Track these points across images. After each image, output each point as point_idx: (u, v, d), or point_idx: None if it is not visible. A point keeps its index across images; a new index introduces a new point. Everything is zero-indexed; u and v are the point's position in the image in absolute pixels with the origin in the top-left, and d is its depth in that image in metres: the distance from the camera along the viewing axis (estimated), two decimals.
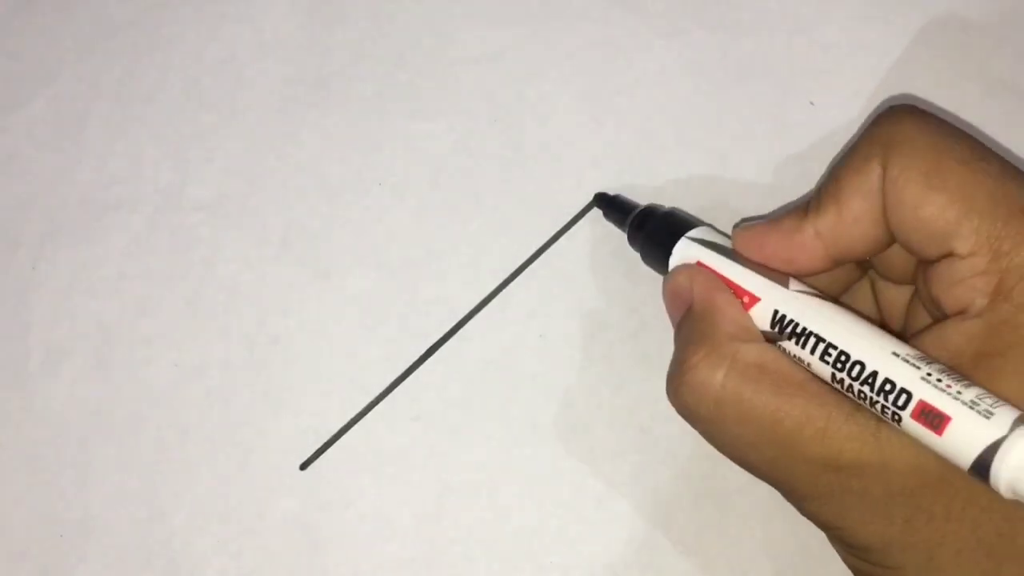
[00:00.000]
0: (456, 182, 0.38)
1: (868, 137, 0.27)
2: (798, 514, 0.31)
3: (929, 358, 0.25)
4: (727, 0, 0.39)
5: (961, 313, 0.25)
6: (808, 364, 0.27)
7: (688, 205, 0.37)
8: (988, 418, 0.22)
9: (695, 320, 0.29)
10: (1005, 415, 0.22)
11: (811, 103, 0.38)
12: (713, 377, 0.27)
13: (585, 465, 0.34)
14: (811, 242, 0.28)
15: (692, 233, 0.31)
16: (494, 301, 0.37)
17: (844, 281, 0.31)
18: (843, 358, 0.25)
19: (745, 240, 0.29)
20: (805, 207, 0.28)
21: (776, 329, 0.27)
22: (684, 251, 0.31)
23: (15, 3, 0.42)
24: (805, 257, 0.28)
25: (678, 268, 0.30)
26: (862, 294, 0.31)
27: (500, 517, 0.34)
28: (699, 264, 0.30)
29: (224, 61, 0.40)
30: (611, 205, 0.36)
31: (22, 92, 0.41)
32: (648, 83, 0.39)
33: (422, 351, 0.36)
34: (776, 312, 0.27)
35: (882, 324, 0.31)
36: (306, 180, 0.39)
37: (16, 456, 0.36)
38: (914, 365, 0.24)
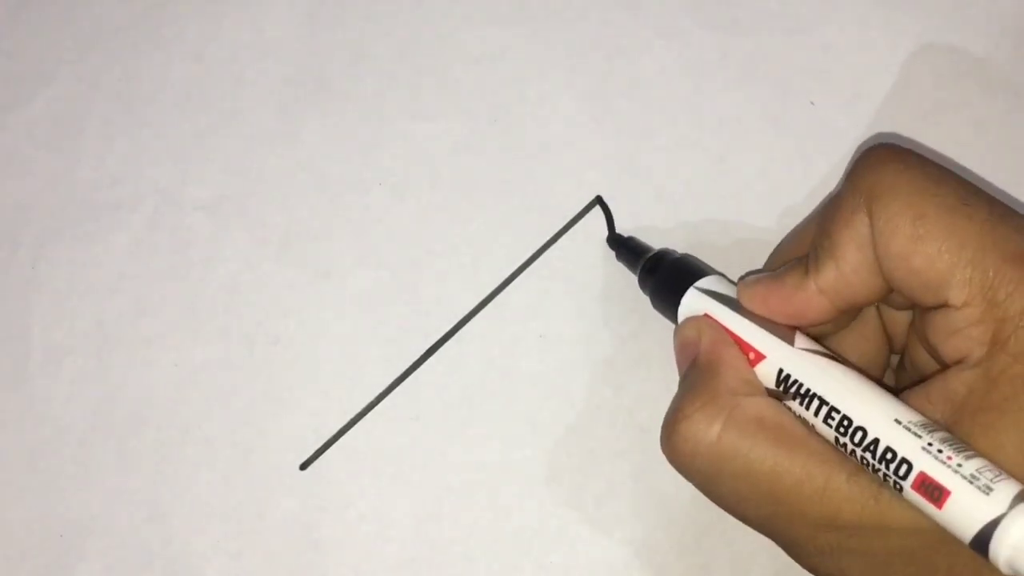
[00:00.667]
0: (456, 182, 0.38)
1: (851, 186, 0.26)
2: None
3: (931, 424, 0.24)
4: (727, 0, 0.39)
5: (960, 362, 0.25)
6: (812, 425, 0.26)
7: (688, 204, 0.37)
8: (988, 494, 0.22)
9: (698, 372, 0.28)
10: (1005, 491, 0.22)
11: (811, 103, 0.38)
12: (709, 429, 0.26)
13: (585, 465, 0.34)
14: (815, 298, 0.27)
15: (701, 283, 0.31)
16: (494, 301, 0.37)
17: None
18: (846, 423, 0.25)
19: (749, 296, 0.29)
20: (805, 263, 0.28)
21: (781, 388, 0.27)
22: (693, 302, 0.31)
23: (15, 3, 0.42)
24: (811, 312, 0.28)
25: (688, 320, 0.30)
26: (867, 313, 0.31)
27: (500, 517, 0.34)
28: (707, 316, 0.30)
29: (224, 61, 0.40)
30: (624, 247, 0.36)
31: (22, 92, 0.41)
32: (648, 83, 0.39)
33: (422, 351, 0.36)
34: (781, 371, 0.27)
35: (887, 343, 0.30)
36: (306, 180, 0.39)
37: (16, 456, 0.36)
38: (915, 434, 0.24)
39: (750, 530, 0.33)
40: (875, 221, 0.26)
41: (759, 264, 0.34)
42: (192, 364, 0.37)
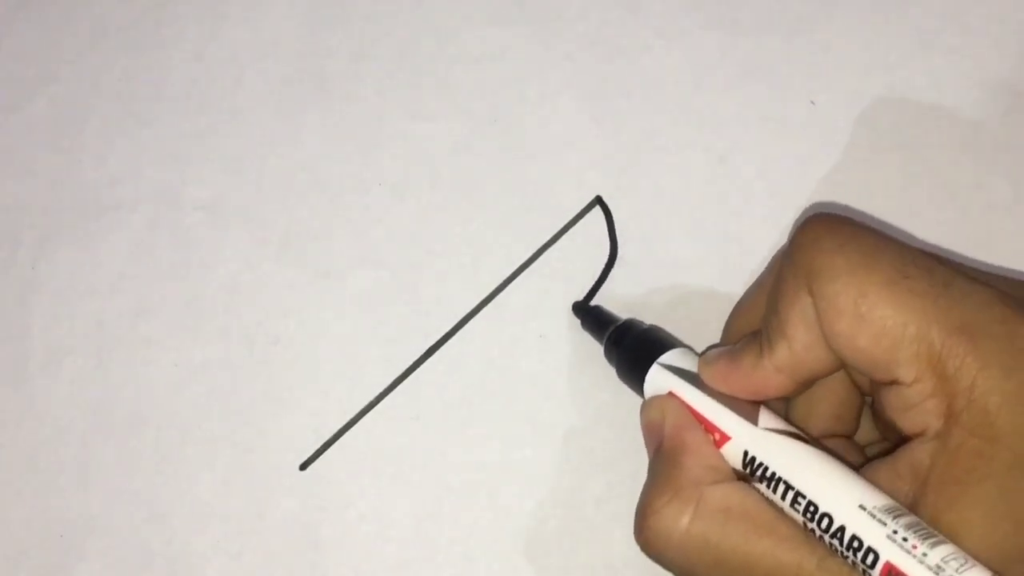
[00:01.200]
0: (456, 182, 0.38)
1: (792, 266, 0.26)
2: None
3: (897, 508, 0.24)
4: (727, 0, 0.39)
5: (920, 435, 0.25)
6: (781, 507, 0.26)
7: (687, 205, 0.37)
8: None
9: (663, 461, 0.28)
10: None
11: (811, 103, 0.38)
12: (678, 523, 0.26)
13: (585, 465, 0.34)
14: (773, 376, 0.27)
15: (665, 358, 0.31)
16: (494, 301, 0.37)
17: None
18: (812, 508, 0.25)
19: (710, 375, 0.29)
20: (759, 340, 0.28)
21: (747, 470, 0.27)
22: (657, 378, 0.30)
23: (15, 3, 0.42)
24: (770, 389, 0.28)
25: (651, 400, 0.30)
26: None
27: (500, 517, 0.34)
28: (671, 395, 0.30)
29: (224, 61, 0.40)
30: (589, 316, 0.35)
31: (22, 92, 0.41)
32: (648, 83, 0.39)
33: (422, 351, 0.36)
34: (747, 453, 0.27)
35: (857, 389, 0.30)
36: (306, 180, 0.39)
37: (16, 456, 0.36)
38: (880, 521, 0.24)
39: None
40: (817, 302, 0.25)
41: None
42: (192, 364, 0.37)
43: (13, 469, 0.36)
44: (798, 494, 0.26)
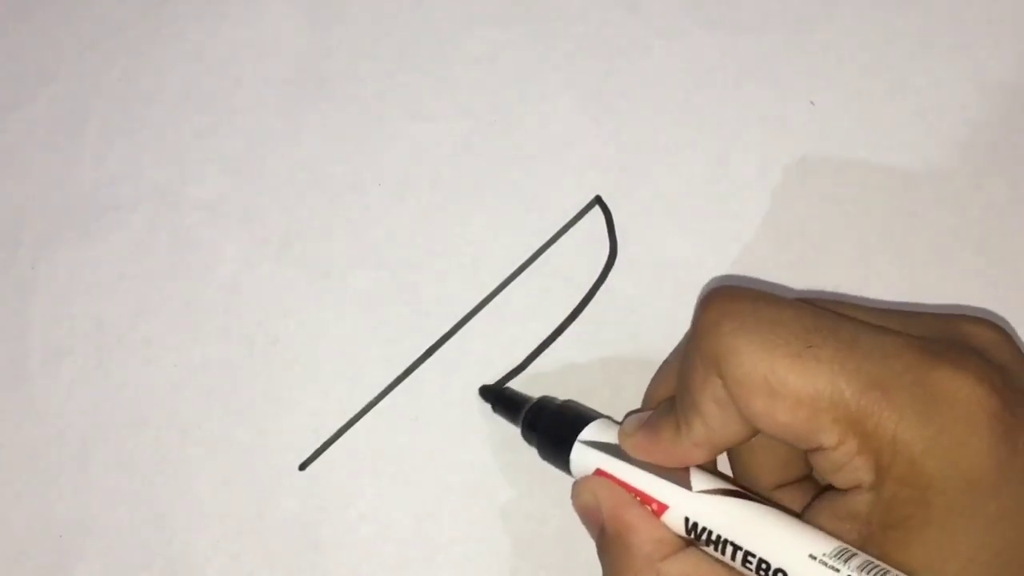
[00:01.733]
0: (456, 182, 0.38)
1: (697, 350, 0.26)
2: None
3: (846, 551, 0.24)
4: (727, 0, 0.39)
5: (855, 488, 0.25)
6: (734, 568, 0.26)
7: (688, 205, 0.37)
8: None
9: (610, 545, 0.28)
10: None
11: (811, 103, 0.38)
12: None
13: None
14: (692, 450, 0.27)
15: (585, 435, 0.30)
16: (494, 301, 0.37)
17: None
18: (764, 565, 0.25)
19: (632, 447, 0.29)
20: (675, 418, 0.27)
21: (692, 535, 0.27)
22: (581, 458, 0.30)
23: (15, 3, 0.42)
24: (692, 459, 0.27)
25: (580, 483, 0.29)
26: None
27: (500, 517, 0.34)
28: (599, 473, 0.29)
29: (224, 61, 0.40)
30: (499, 400, 0.34)
31: (22, 92, 0.41)
32: (648, 83, 0.39)
33: (422, 351, 0.36)
34: (687, 519, 0.27)
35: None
36: (306, 180, 0.39)
37: (16, 456, 0.36)
38: (833, 567, 0.24)
39: None
40: (728, 384, 0.25)
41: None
42: (192, 364, 0.37)
43: (13, 469, 0.36)
44: (747, 553, 0.25)
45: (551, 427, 0.31)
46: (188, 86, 0.40)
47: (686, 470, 0.28)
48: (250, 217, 0.38)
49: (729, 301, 0.26)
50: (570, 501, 0.30)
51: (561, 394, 0.35)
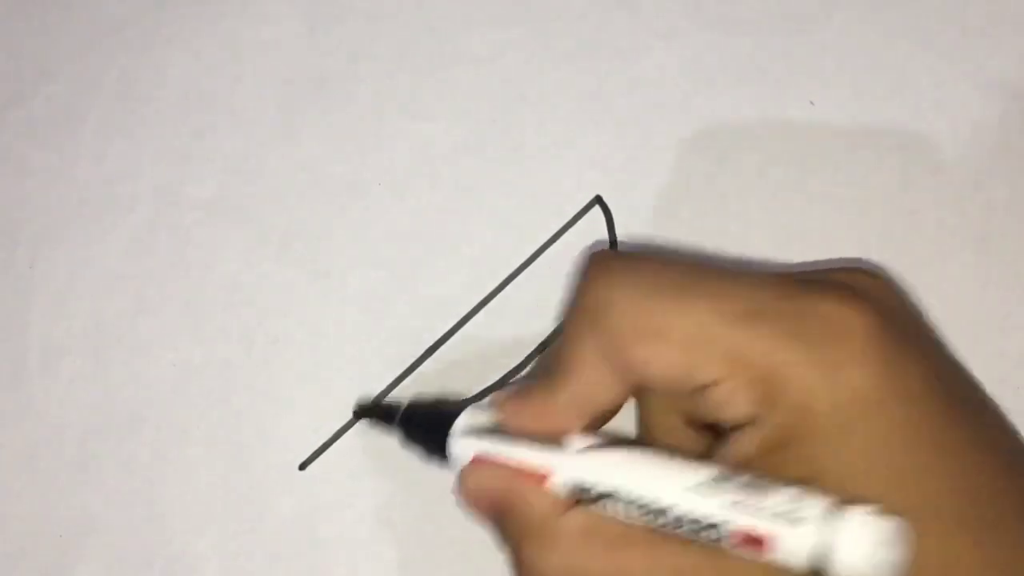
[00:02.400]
0: (456, 182, 0.38)
1: (575, 308, 0.26)
2: None
3: (724, 473, 0.24)
4: (727, 0, 0.39)
5: (744, 425, 0.25)
6: (627, 518, 0.26)
7: (688, 205, 0.37)
8: (799, 525, 0.23)
9: (505, 519, 0.28)
10: (811, 515, 0.23)
11: (811, 103, 0.38)
12: (548, 562, 0.26)
13: None
14: (564, 410, 0.27)
15: (458, 425, 0.30)
16: (494, 301, 0.37)
17: None
18: (647, 508, 0.25)
19: (504, 416, 0.28)
20: (548, 382, 0.27)
21: (578, 500, 0.27)
22: (461, 451, 0.30)
23: (15, 2, 0.42)
24: (565, 426, 0.27)
25: (460, 476, 0.29)
26: None
27: None
28: (475, 460, 0.29)
29: (224, 61, 0.40)
30: (373, 415, 0.35)
31: (21, 90, 0.41)
32: (648, 83, 0.39)
33: (422, 351, 0.36)
34: (568, 482, 0.27)
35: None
36: (306, 180, 0.39)
37: (16, 456, 0.36)
38: (711, 495, 0.24)
39: None
40: (607, 337, 0.25)
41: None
42: (192, 364, 0.37)
43: (12, 469, 0.36)
44: (629, 502, 0.25)
45: (424, 430, 0.32)
46: (188, 86, 0.40)
47: (559, 440, 0.28)
48: (250, 217, 0.38)
49: (606, 259, 0.27)
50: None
51: None
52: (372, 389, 0.36)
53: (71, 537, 0.35)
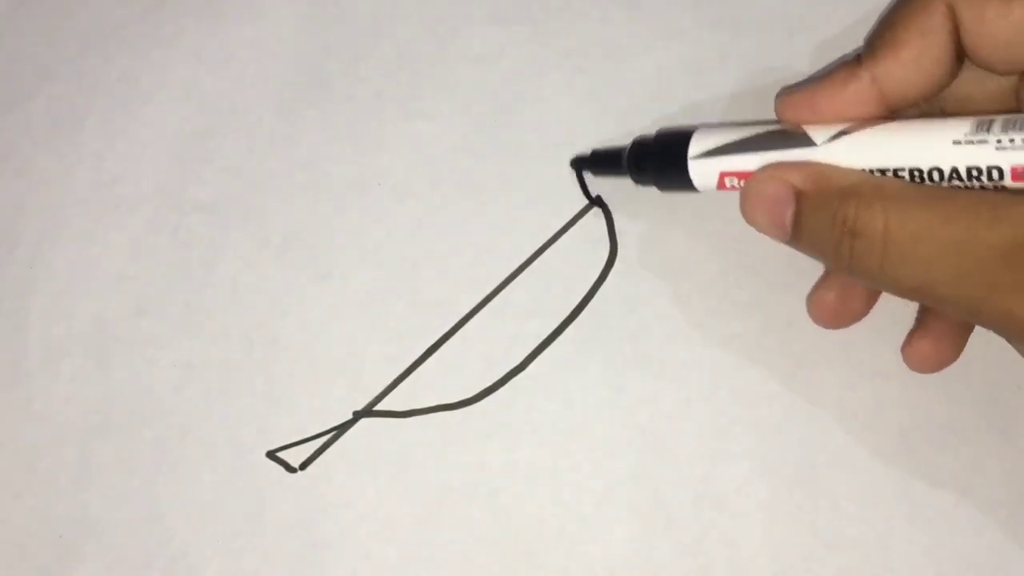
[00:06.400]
0: (456, 182, 0.38)
1: None
2: (798, 514, 0.32)
3: (986, 119, 0.24)
4: (727, 0, 0.39)
5: None
6: None
7: (688, 205, 0.37)
8: None
9: (820, 192, 0.27)
10: None
11: None
12: (875, 218, 0.25)
13: (585, 465, 0.34)
14: (866, 90, 0.27)
15: (693, 149, 0.30)
16: (494, 301, 0.37)
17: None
18: (924, 172, 0.25)
19: (792, 103, 0.28)
20: (855, 60, 0.27)
21: None
22: (701, 170, 0.30)
23: (15, 2, 0.42)
24: (860, 108, 0.27)
25: (755, 177, 0.29)
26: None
27: (500, 517, 0.34)
28: (723, 174, 0.29)
29: (224, 61, 0.40)
30: (593, 162, 0.35)
31: (21, 91, 0.41)
32: (648, 83, 0.39)
33: (422, 351, 0.36)
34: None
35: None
36: (306, 180, 0.39)
37: (16, 456, 0.36)
38: (980, 141, 0.24)
39: (750, 530, 0.33)
40: (962, 9, 0.25)
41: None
42: (192, 364, 0.37)
43: (13, 469, 0.36)
44: (896, 170, 0.26)
45: (658, 158, 0.32)
46: (188, 87, 0.40)
47: (806, 136, 0.27)
48: (250, 217, 0.38)
49: None
50: (569, 500, 0.30)
51: (560, 394, 0.35)
52: (372, 389, 0.36)
53: (71, 537, 0.35)
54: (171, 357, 0.37)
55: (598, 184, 0.37)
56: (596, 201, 0.37)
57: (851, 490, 0.33)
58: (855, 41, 0.38)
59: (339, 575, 0.34)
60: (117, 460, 0.36)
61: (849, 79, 0.27)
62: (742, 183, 0.29)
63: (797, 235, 0.28)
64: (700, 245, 0.36)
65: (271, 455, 0.35)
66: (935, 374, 0.32)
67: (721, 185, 0.30)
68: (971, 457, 0.33)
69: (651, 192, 0.37)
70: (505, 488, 0.35)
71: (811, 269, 0.35)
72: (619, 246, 0.37)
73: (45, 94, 0.41)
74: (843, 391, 0.34)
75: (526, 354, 0.36)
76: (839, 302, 0.31)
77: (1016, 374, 0.33)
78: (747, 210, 0.29)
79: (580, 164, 0.36)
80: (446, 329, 0.36)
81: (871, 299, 0.31)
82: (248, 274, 0.38)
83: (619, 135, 0.38)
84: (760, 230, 0.29)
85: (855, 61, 0.27)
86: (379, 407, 0.36)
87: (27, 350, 0.38)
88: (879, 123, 0.27)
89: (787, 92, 0.29)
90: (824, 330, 0.34)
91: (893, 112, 0.28)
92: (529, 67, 0.39)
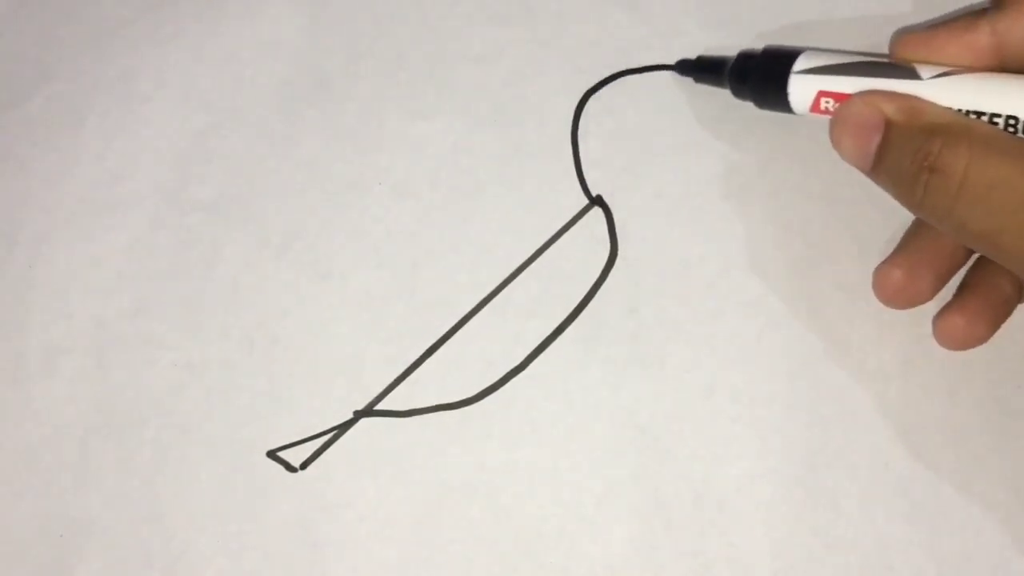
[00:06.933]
0: (456, 182, 0.38)
1: None
2: (799, 514, 0.32)
3: None
4: (727, 0, 0.39)
5: None
6: None
7: (688, 205, 0.37)
8: None
9: (909, 125, 0.27)
10: None
11: None
12: (957, 159, 0.26)
13: (585, 465, 0.35)
14: (984, 41, 0.27)
15: (798, 66, 0.30)
16: (494, 301, 0.37)
17: None
18: (1020, 122, 0.26)
19: (909, 41, 0.29)
20: (981, 10, 0.27)
21: None
22: (801, 87, 0.30)
23: (15, 2, 0.42)
24: (974, 56, 0.27)
25: (851, 101, 0.29)
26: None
27: (500, 517, 0.34)
28: (821, 93, 0.30)
29: (224, 61, 0.40)
30: (698, 68, 0.36)
31: (20, 90, 0.41)
32: (648, 83, 0.39)
33: (422, 351, 0.36)
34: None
35: None
36: (306, 180, 0.39)
37: (16, 456, 0.36)
38: None
39: (750, 530, 0.33)
40: None
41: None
42: (192, 364, 0.37)
43: (13, 469, 0.36)
44: (992, 115, 0.26)
45: (762, 70, 0.32)
46: (188, 86, 0.40)
47: (912, 69, 0.28)
48: (250, 217, 0.38)
49: None
50: (569, 500, 0.30)
51: (560, 394, 0.35)
52: (372, 389, 0.36)
53: (71, 537, 0.35)
54: (171, 357, 0.37)
55: (598, 184, 0.37)
56: (596, 201, 0.37)
57: (851, 490, 0.33)
58: (854, 42, 0.38)
59: (339, 575, 0.34)
60: (117, 460, 0.36)
61: (970, 27, 0.27)
62: (837, 107, 0.30)
63: (878, 165, 0.28)
64: (700, 245, 0.36)
65: (271, 455, 0.35)
66: (934, 374, 0.32)
67: (816, 107, 0.30)
68: (971, 457, 0.33)
69: (651, 192, 0.37)
70: (505, 488, 0.35)
71: (811, 269, 0.35)
72: (619, 246, 0.37)
73: (45, 93, 0.41)
74: (843, 391, 0.34)
75: (526, 354, 0.36)
76: (906, 280, 0.31)
77: (1016, 374, 0.33)
78: (835, 134, 0.29)
79: (684, 67, 0.37)
80: (446, 329, 0.36)
81: (938, 283, 0.31)
82: (248, 274, 0.38)
83: (619, 135, 0.38)
84: (844, 156, 0.30)
85: (980, 12, 0.28)
86: (379, 407, 0.36)
87: (27, 350, 0.38)
88: (987, 72, 0.27)
89: (905, 30, 0.29)
90: (824, 330, 0.34)
91: (1006, 70, 0.28)
92: (529, 67, 0.39)
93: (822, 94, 0.30)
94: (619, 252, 0.37)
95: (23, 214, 0.39)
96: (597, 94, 0.39)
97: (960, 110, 0.27)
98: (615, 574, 0.33)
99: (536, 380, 0.35)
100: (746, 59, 0.33)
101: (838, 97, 0.30)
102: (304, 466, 0.35)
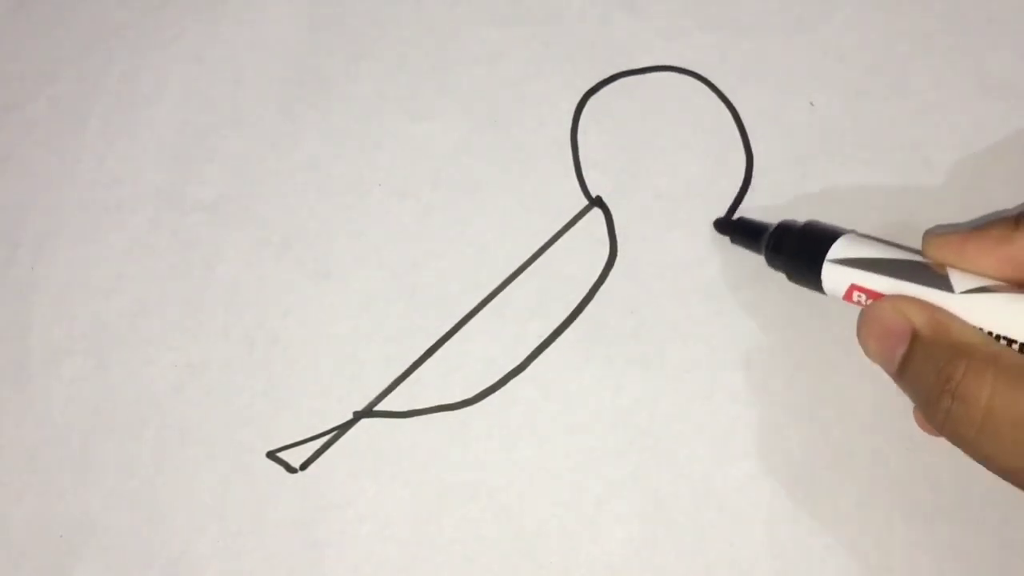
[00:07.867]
0: (456, 182, 0.38)
1: None
2: (799, 514, 0.32)
3: None
4: (727, 0, 0.39)
5: None
6: None
7: (688, 205, 0.37)
8: None
9: (934, 342, 0.27)
10: None
11: (811, 103, 0.38)
12: (981, 388, 0.25)
13: (585, 465, 0.34)
14: (1019, 255, 0.27)
15: (834, 252, 0.30)
16: (494, 301, 0.37)
17: None
18: None
19: (942, 244, 0.28)
20: (1016, 218, 0.27)
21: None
22: (834, 276, 0.30)
23: (15, 3, 0.42)
24: (1008, 270, 0.27)
25: (882, 303, 0.29)
26: None
27: (500, 517, 0.34)
28: (853, 287, 0.29)
29: (224, 61, 0.40)
30: (737, 229, 0.35)
31: (22, 92, 0.41)
32: (648, 83, 0.39)
33: (422, 351, 0.36)
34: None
35: None
36: (306, 180, 0.39)
37: (16, 456, 0.36)
38: None
39: (750, 530, 0.33)
40: None
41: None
42: (192, 364, 0.37)
43: (13, 469, 0.36)
44: (1021, 344, 0.26)
45: (798, 249, 0.31)
46: (188, 86, 0.40)
47: (946, 277, 0.27)
48: (250, 217, 0.38)
49: None
50: (569, 500, 0.30)
51: (560, 394, 0.35)
52: (372, 389, 0.36)
53: (71, 537, 0.35)
54: (171, 357, 0.37)
55: (598, 185, 0.37)
56: (596, 202, 0.37)
57: (851, 490, 0.33)
58: (855, 41, 0.38)
59: (339, 575, 0.34)
60: (117, 460, 0.36)
61: (1004, 240, 0.27)
62: (867, 303, 0.29)
63: (902, 372, 0.28)
64: (700, 245, 0.36)
65: (271, 455, 0.35)
66: None
67: (848, 296, 0.30)
68: (970, 457, 0.33)
69: (651, 192, 0.37)
70: (505, 488, 0.35)
71: None
72: (619, 246, 0.37)
73: (46, 95, 0.41)
74: (843, 391, 0.34)
75: (526, 354, 0.36)
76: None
77: None
78: (863, 333, 0.29)
79: (722, 226, 0.36)
80: (446, 329, 0.36)
81: None
82: (248, 274, 0.38)
83: (617, 137, 0.38)
84: (868, 355, 0.29)
85: (1013, 221, 0.27)
86: (379, 407, 0.36)
87: (28, 350, 0.38)
88: (1013, 294, 0.26)
89: (938, 232, 0.29)
90: (823, 329, 0.34)
91: None
92: (529, 67, 0.39)
93: (855, 288, 0.29)
94: (619, 253, 0.37)
95: (25, 215, 0.39)
96: (597, 94, 0.39)
97: (990, 332, 0.26)
98: (615, 574, 0.33)
99: (536, 380, 0.35)
100: (784, 233, 0.33)
101: (871, 294, 0.29)
102: (304, 466, 0.35)
